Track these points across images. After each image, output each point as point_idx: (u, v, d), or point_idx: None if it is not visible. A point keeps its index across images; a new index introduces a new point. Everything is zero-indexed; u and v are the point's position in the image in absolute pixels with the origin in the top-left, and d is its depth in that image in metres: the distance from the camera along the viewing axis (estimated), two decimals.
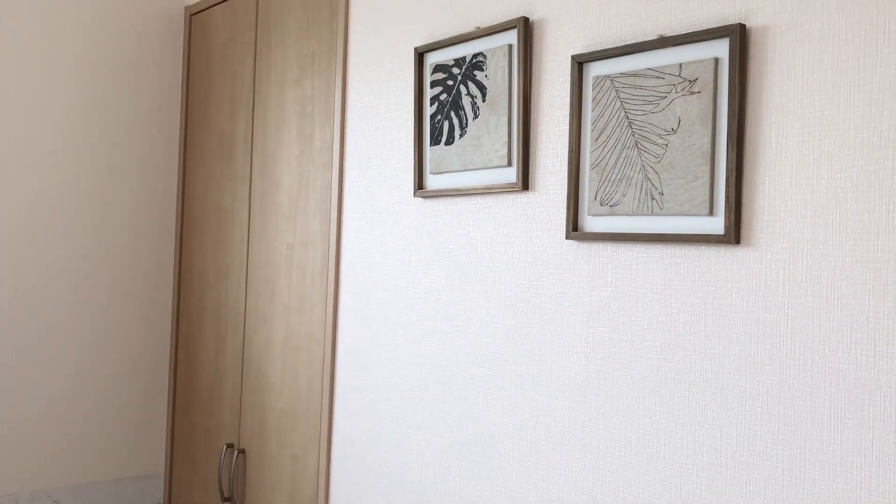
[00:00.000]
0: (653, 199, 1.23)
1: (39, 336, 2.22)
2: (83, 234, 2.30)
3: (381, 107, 1.76)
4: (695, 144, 1.19)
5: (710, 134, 1.17)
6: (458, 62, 1.55)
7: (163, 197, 2.45)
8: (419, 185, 1.64)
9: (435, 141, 1.60)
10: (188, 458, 2.37)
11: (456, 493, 1.55)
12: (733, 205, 1.14)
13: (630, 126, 1.27)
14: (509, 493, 1.46)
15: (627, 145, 1.27)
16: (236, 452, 2.12)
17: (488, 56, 1.49)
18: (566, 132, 1.38)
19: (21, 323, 2.19)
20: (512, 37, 1.46)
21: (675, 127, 1.21)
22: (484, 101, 1.50)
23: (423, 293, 1.64)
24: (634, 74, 1.26)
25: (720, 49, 1.17)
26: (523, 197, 1.45)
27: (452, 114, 1.57)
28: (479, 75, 1.51)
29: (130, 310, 2.39)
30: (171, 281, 2.46)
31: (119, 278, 2.36)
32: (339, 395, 1.85)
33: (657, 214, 1.23)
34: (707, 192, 1.17)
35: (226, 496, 2.14)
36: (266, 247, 2.08)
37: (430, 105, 1.61)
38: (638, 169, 1.25)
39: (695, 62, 1.19)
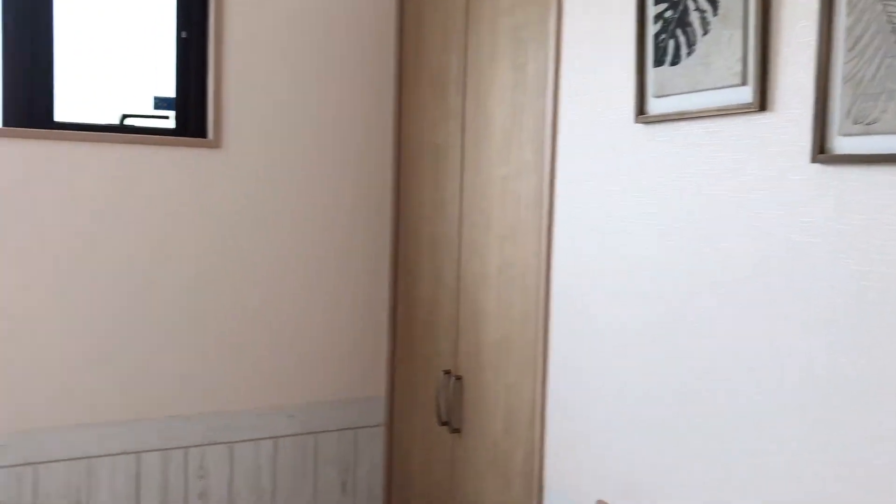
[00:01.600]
0: None
1: (269, 267, 2.40)
2: (309, 172, 2.43)
3: (598, 29, 1.69)
4: None
5: None
6: None
7: (380, 135, 2.53)
8: (640, 109, 1.56)
9: (658, 62, 1.51)
10: (407, 383, 2.49)
11: (674, 416, 1.51)
12: None
13: (895, 32, 1.12)
14: (733, 426, 1.39)
15: (890, 53, 1.13)
16: (453, 379, 2.20)
17: None
18: (812, 43, 1.25)
19: (253, 257, 2.37)
20: None
21: None
22: (715, 14, 1.39)
23: (642, 223, 1.58)
24: None
25: None
26: (759, 118, 1.34)
27: (678, 31, 1.47)
28: None
29: (352, 243, 2.51)
30: (390, 214, 2.56)
31: (340, 213, 2.49)
32: (553, 326, 1.84)
33: None
34: None
35: (443, 420, 2.23)
36: (480, 179, 2.10)
37: (654, 23, 1.52)
38: None
39: None
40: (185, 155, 2.26)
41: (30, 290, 2.10)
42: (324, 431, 2.51)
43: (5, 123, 2.12)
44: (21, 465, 2.11)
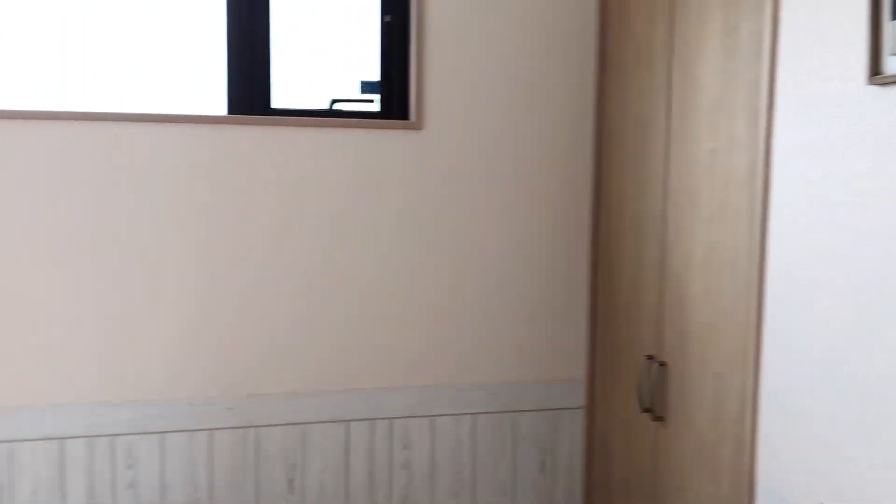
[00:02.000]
0: None
1: (469, 245, 2.42)
2: (508, 150, 2.41)
3: None
4: None
5: None
6: None
7: (581, 110, 2.45)
8: (874, 69, 1.38)
9: None
10: (608, 367, 2.41)
11: None
12: None
13: None
14: None
15: None
16: (656, 364, 2.10)
17: None
18: None
19: (454, 235, 2.40)
20: None
21: None
22: None
23: (882, 200, 1.39)
24: None
25: None
26: None
27: None
28: None
29: (551, 222, 2.47)
30: (589, 192, 2.48)
31: (540, 191, 2.45)
32: (768, 315, 1.69)
33: None
34: None
35: (646, 407, 2.14)
36: (686, 155, 1.97)
37: None
38: None
39: None
40: (389, 137, 2.32)
41: (246, 262, 2.26)
42: (523, 411, 2.51)
43: (230, 111, 2.29)
44: (245, 427, 2.29)
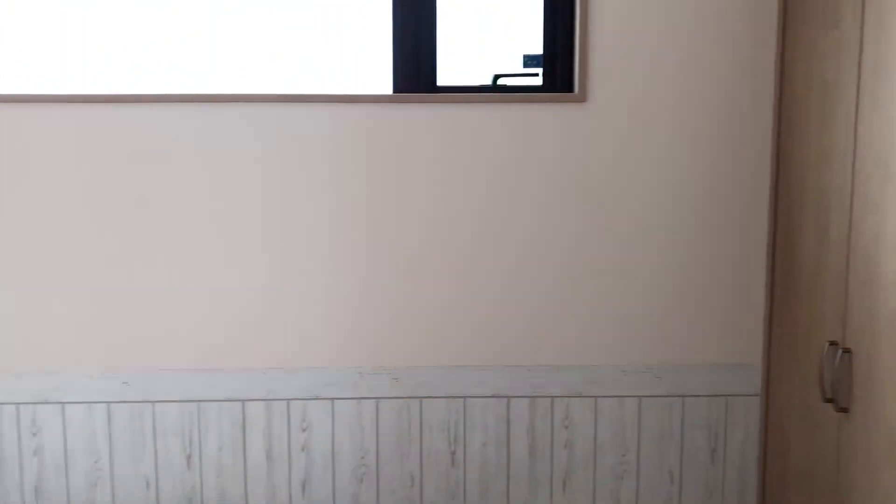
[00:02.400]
0: None
1: (636, 220, 2.33)
2: (677, 122, 2.30)
3: None
4: None
5: None
6: None
7: (760, 74, 2.29)
8: None
9: None
10: (786, 352, 2.25)
11: None
12: None
13: None
14: None
15: None
16: (840, 351, 1.93)
17: None
18: None
19: (620, 208, 2.32)
20: None
21: None
22: None
23: None
24: None
25: None
26: None
27: None
28: None
29: (725, 194, 2.33)
30: (768, 164, 2.32)
31: (712, 163, 2.32)
32: None
33: None
34: None
35: (828, 397, 1.97)
36: (878, 121, 1.78)
37: None
38: None
39: None
40: (551, 111, 2.28)
41: (411, 238, 2.31)
42: (692, 395, 2.40)
43: (396, 90, 2.34)
44: (409, 397, 2.36)
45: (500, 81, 2.39)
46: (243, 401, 2.34)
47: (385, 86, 2.35)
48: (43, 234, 2.27)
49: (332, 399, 2.35)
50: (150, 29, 2.33)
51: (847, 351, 1.91)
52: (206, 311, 2.31)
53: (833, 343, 1.96)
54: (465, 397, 2.37)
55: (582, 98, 2.26)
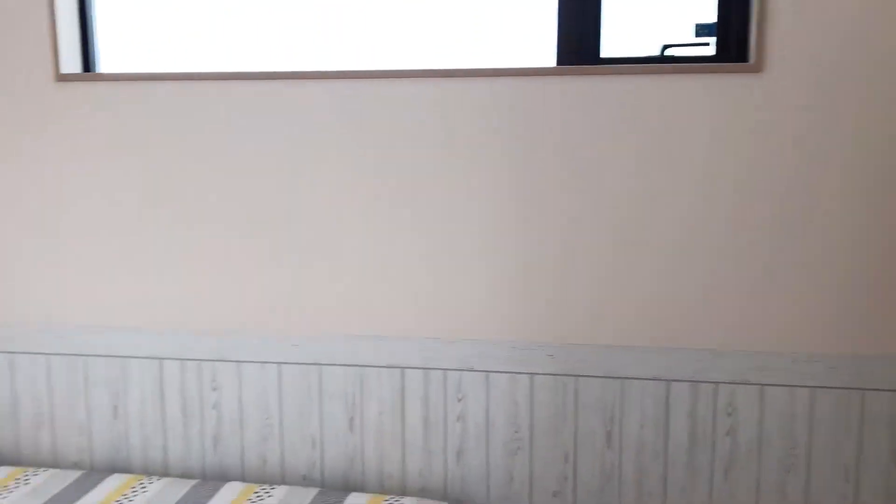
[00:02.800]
0: None
1: (806, 192, 2.18)
2: (872, 88, 2.12)
3: None
4: None
5: None
6: None
7: None
8: None
9: None
10: None
11: None
12: None
13: None
14: None
15: None
16: None
17: None
18: None
19: (787, 182, 2.18)
20: None
21: None
22: None
23: None
24: None
25: None
26: None
27: None
28: None
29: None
30: None
31: (893, 131, 2.12)
32: None
33: None
34: None
35: None
36: None
37: None
38: None
39: None
40: (723, 82, 2.16)
41: (574, 213, 2.28)
42: (872, 389, 2.22)
43: (559, 62, 2.30)
44: (564, 374, 2.34)
45: (669, 52, 2.30)
46: (403, 368, 2.41)
47: (549, 58, 2.32)
48: (224, 209, 2.43)
49: (487, 372, 2.38)
50: (317, 7, 2.43)
51: None
52: (368, 281, 2.40)
53: None
54: (622, 378, 2.32)
55: (758, 68, 2.13)
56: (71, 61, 2.51)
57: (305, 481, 2.50)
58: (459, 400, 2.40)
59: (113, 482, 2.39)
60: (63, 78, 2.45)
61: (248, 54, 2.49)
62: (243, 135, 2.39)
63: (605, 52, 2.28)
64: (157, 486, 2.37)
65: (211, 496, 2.30)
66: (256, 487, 2.36)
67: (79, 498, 2.29)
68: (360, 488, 2.48)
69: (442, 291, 2.37)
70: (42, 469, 2.49)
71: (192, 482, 2.40)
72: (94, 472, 2.47)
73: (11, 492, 2.32)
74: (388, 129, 2.33)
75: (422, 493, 2.46)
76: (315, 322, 2.44)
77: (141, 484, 2.38)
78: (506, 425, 2.39)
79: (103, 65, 2.58)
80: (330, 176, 2.37)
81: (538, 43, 2.33)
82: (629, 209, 2.26)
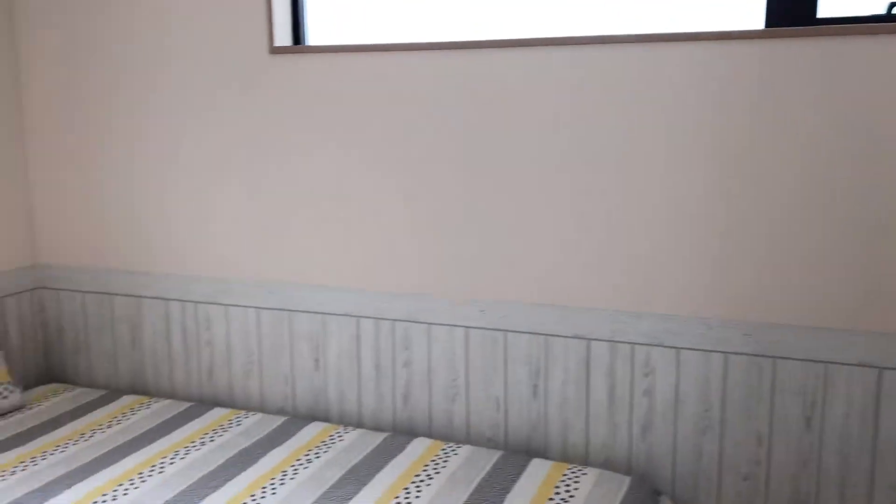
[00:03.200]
0: None
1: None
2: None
3: None
4: None
5: None
6: None
7: None
8: None
9: None
10: None
11: None
12: None
13: None
14: None
15: None
16: None
17: None
18: None
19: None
20: None
21: None
22: None
23: None
24: None
25: None
26: None
27: None
28: None
29: None
30: None
31: None
32: None
33: None
34: None
35: None
36: None
37: None
38: None
39: None
40: None
41: (777, 185, 2.15)
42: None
43: (768, 25, 2.16)
44: (761, 355, 2.23)
45: None
46: (589, 339, 2.40)
47: (757, 20, 2.19)
48: (425, 181, 2.51)
49: (677, 348, 2.31)
50: None
51: None
52: (552, 251, 2.40)
53: None
54: (826, 362, 2.17)
55: None
56: (283, 35, 2.67)
57: (490, 443, 2.57)
58: (646, 375, 2.36)
59: (313, 429, 2.58)
60: (276, 51, 2.62)
61: (456, 25, 2.54)
62: (452, 104, 2.45)
63: (822, 12, 2.11)
64: (352, 435, 2.53)
65: (402, 449, 2.42)
66: (443, 444, 2.45)
67: (284, 441, 2.48)
68: (543, 454, 2.51)
69: (627, 264, 2.32)
70: (252, 413, 2.72)
71: (384, 434, 2.54)
72: (296, 419, 2.67)
73: (227, 430, 2.56)
74: (579, 94, 2.29)
75: (605, 464, 2.45)
76: (501, 290, 2.48)
77: (338, 433, 2.55)
78: (696, 403, 2.32)
79: (311, 38, 2.73)
80: (538, 147, 2.38)
81: (744, 2, 2.20)
82: (846, 190, 2.09)
